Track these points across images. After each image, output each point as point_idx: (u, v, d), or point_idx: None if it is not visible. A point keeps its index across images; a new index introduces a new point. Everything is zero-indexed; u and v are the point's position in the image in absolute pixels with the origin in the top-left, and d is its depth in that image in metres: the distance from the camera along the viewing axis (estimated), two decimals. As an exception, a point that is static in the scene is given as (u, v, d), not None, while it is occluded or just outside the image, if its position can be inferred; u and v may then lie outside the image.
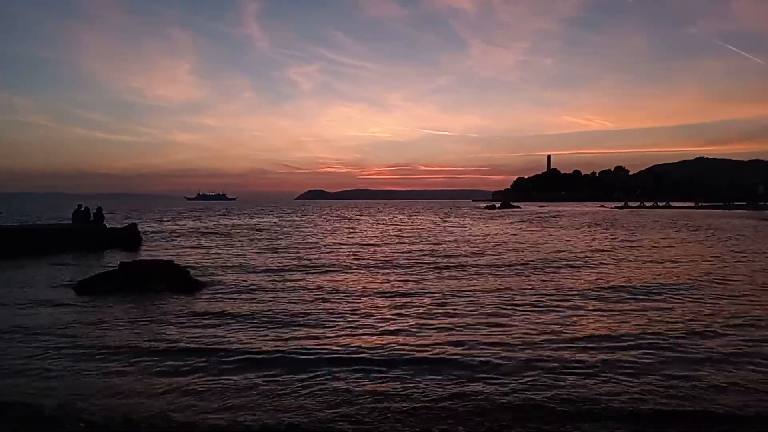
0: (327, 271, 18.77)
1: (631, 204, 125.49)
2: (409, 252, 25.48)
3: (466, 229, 45.70)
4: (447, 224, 53.40)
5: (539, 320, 11.07)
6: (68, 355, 8.68)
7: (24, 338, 9.73)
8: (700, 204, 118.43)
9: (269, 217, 68.87)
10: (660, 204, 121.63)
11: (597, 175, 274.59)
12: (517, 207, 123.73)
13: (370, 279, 17.02)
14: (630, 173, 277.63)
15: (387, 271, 18.96)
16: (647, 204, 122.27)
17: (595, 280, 16.52)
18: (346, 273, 18.45)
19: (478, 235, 37.11)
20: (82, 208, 29.66)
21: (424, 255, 23.91)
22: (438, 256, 23.22)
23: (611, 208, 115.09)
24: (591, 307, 12.40)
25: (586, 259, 22.39)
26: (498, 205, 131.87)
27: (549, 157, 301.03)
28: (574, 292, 14.28)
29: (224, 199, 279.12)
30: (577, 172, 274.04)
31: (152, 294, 13.90)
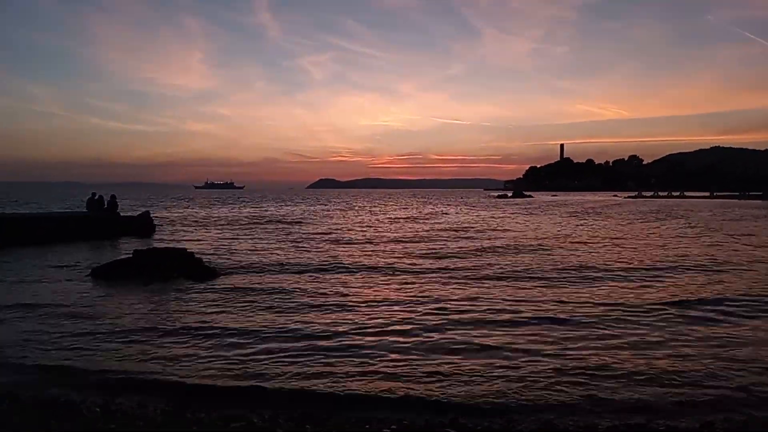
0: (342, 268, 17.91)
1: (645, 194, 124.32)
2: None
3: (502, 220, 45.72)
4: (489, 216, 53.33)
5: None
6: (86, 333, 9.00)
7: (45, 319, 10.02)
8: (715, 194, 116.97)
9: (279, 206, 69.19)
10: (674, 194, 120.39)
11: (611, 164, 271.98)
12: (529, 196, 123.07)
13: (373, 254, 17.15)
14: (644, 162, 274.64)
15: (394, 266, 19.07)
16: (661, 194, 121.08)
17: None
18: (363, 272, 18.56)
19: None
20: (96, 197, 29.99)
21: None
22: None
23: (624, 197, 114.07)
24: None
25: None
26: (510, 194, 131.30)
27: (562, 146, 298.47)
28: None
29: (232, 188, 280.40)
30: (590, 161, 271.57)
31: (166, 281, 14.11)
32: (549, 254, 20.58)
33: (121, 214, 30.44)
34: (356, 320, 10.25)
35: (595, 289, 13.40)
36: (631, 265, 17.28)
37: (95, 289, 13.52)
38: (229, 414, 5.93)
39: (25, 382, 6.97)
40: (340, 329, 9.59)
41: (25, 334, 9.25)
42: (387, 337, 9.07)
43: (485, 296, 12.40)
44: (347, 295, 12.71)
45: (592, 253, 20.73)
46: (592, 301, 11.90)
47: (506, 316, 10.49)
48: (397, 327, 9.74)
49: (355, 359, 7.95)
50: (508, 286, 13.84)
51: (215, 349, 8.42)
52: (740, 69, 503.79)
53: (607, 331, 9.41)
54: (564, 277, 15.09)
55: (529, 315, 10.57)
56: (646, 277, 15.21)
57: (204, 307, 11.36)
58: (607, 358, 7.88)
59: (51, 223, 25.68)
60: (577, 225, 37.21)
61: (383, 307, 11.35)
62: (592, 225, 37.32)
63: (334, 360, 7.90)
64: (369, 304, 11.73)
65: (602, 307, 11.17)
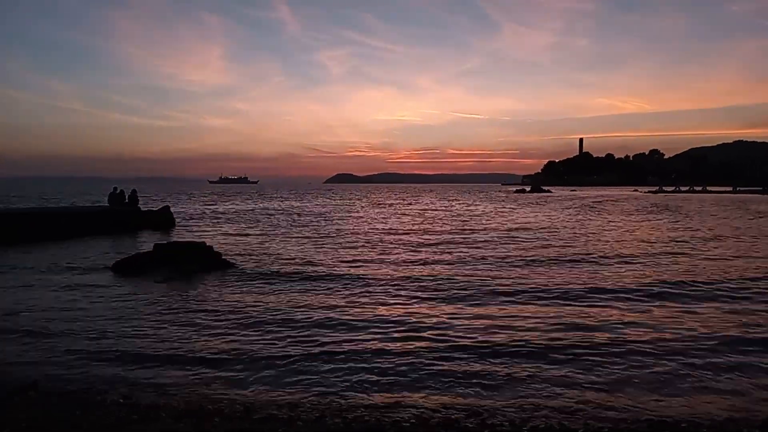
0: (363, 262, 17.87)
1: (666, 188, 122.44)
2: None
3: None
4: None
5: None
6: (106, 324, 9.11)
7: (67, 310, 10.16)
8: (738, 188, 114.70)
9: (293, 201, 69.52)
10: (696, 188, 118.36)
11: (631, 158, 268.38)
12: (548, 191, 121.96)
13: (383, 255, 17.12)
14: (665, 157, 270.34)
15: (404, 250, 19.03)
16: (683, 188, 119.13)
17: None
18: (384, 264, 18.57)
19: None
20: (118, 191, 30.40)
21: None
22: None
23: (645, 192, 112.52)
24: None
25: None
26: (528, 189, 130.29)
27: (581, 140, 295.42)
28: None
29: (246, 183, 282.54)
30: (610, 156, 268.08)
31: (186, 274, 14.25)
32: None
33: (142, 208, 30.82)
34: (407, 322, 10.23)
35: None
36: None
37: (116, 282, 13.70)
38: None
39: (50, 372, 7.08)
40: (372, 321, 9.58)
41: (47, 325, 9.40)
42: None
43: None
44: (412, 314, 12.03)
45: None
46: None
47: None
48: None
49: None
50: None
51: (233, 342, 8.47)
52: (765, 61, 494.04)
53: None
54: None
55: None
56: None
57: (222, 299, 11.45)
58: None
59: (74, 218, 26.09)
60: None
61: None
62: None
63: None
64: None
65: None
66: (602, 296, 11.66)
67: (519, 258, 17.49)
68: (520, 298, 11.49)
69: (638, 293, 11.88)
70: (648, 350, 7.90)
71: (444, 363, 7.41)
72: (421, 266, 16.02)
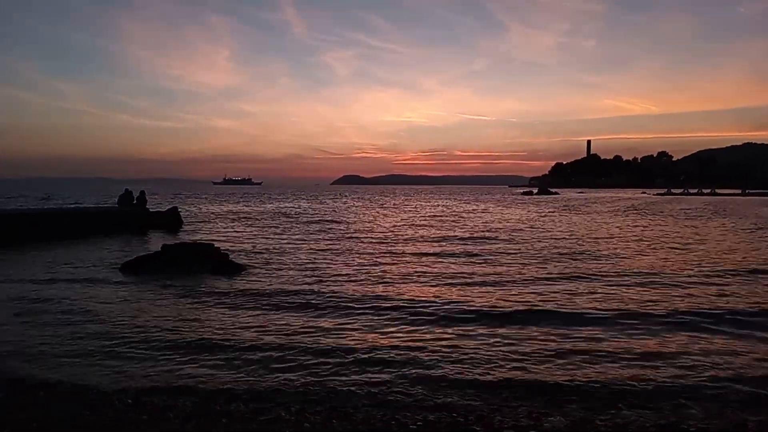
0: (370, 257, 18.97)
1: (674, 191, 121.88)
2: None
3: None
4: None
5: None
6: (119, 321, 9.12)
7: (74, 312, 10.23)
8: (747, 191, 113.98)
9: (300, 202, 69.67)
10: (704, 191, 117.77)
11: (639, 160, 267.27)
12: (555, 193, 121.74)
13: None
14: (673, 159, 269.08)
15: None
16: (691, 191, 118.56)
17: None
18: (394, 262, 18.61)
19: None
20: (126, 192, 30.66)
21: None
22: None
23: (653, 194, 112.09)
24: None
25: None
26: (535, 191, 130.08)
27: (589, 142, 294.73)
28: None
29: (250, 184, 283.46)
30: (618, 158, 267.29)
31: (194, 275, 14.31)
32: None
33: (150, 210, 31.02)
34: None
35: None
36: None
37: (124, 282, 13.77)
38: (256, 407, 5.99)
39: (57, 371, 7.13)
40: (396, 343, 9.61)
41: (53, 324, 9.48)
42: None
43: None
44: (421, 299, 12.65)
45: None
46: None
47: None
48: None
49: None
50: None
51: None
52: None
53: None
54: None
55: None
56: None
57: (228, 303, 11.49)
58: None
59: (82, 218, 26.28)
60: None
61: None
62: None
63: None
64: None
65: None
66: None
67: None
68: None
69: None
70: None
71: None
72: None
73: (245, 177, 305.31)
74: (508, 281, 13.78)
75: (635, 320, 9.78)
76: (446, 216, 42.71)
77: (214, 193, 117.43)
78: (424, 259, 18.17)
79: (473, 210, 52.42)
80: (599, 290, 12.56)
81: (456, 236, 25.79)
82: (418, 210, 52.73)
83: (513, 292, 12.29)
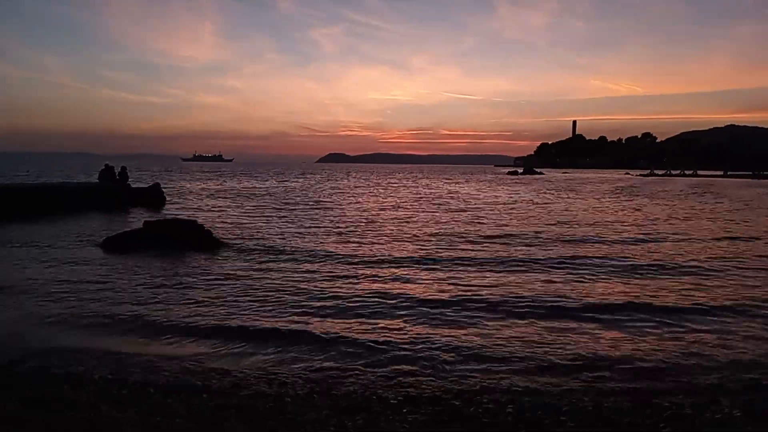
0: (345, 233, 18.95)
1: (657, 172, 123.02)
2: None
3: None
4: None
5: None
6: (99, 298, 9.06)
7: (58, 290, 10.11)
8: (728, 173, 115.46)
9: (287, 182, 69.13)
10: (687, 172, 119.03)
11: (623, 141, 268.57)
12: (540, 173, 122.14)
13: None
14: (658, 140, 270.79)
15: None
16: (674, 172, 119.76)
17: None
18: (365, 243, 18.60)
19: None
20: (107, 167, 30.15)
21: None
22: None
23: (636, 175, 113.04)
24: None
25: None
26: (520, 171, 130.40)
27: (574, 122, 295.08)
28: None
29: (220, 161, 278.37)
30: (602, 139, 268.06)
31: (176, 252, 14.20)
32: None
33: (131, 186, 30.59)
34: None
35: None
36: None
37: (106, 260, 13.62)
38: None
39: (36, 347, 7.06)
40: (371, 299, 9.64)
41: (32, 300, 9.40)
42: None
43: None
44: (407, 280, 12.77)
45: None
46: None
47: None
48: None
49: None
50: None
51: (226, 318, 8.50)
52: (759, 46, 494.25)
53: None
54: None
55: None
56: None
57: (211, 278, 11.45)
58: None
59: (63, 193, 25.86)
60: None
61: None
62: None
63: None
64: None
65: None
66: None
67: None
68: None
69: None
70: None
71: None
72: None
73: (216, 153, 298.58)
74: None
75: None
76: (449, 200, 36.97)
77: (179, 168, 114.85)
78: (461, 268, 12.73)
79: (477, 193, 46.03)
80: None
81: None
82: (420, 193, 45.44)
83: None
